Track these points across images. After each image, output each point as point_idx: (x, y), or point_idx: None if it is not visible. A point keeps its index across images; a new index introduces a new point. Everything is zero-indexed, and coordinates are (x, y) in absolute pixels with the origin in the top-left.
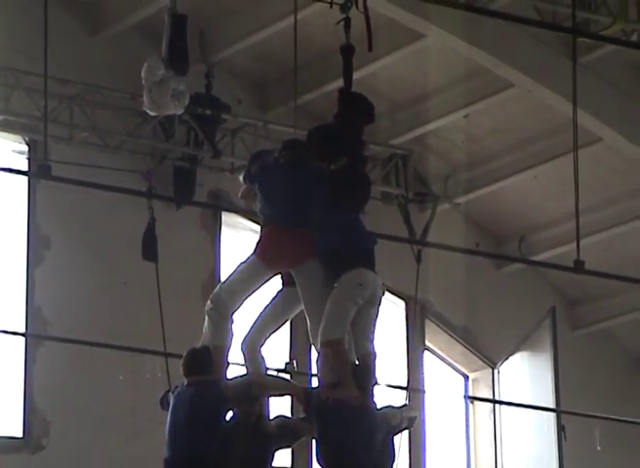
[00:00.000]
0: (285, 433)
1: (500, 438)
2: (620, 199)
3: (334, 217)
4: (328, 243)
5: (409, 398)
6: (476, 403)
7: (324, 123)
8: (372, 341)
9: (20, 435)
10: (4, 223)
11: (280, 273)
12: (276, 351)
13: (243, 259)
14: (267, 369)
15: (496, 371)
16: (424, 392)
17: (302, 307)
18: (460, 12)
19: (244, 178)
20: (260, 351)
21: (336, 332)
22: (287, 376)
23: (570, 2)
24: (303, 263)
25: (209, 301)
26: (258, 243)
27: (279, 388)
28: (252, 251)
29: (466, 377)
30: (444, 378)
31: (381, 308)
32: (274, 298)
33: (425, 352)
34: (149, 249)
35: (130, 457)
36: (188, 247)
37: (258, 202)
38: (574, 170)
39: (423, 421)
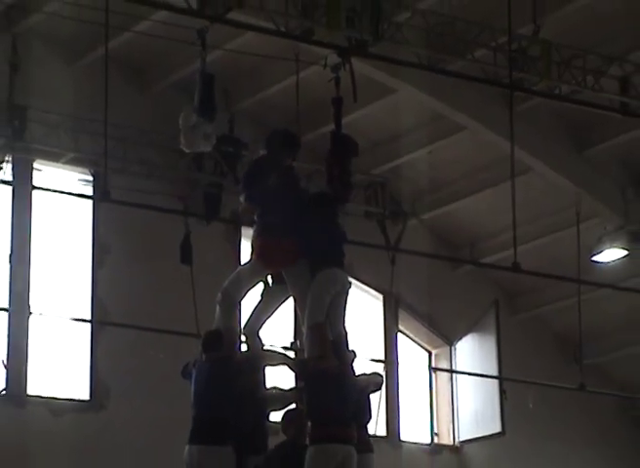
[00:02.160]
0: (276, 399)
1: (457, 399)
2: (547, 214)
3: (312, 229)
4: (308, 249)
5: (386, 369)
6: (438, 373)
7: (278, 129)
8: (343, 323)
9: (87, 398)
10: (75, 235)
11: (271, 273)
12: (283, 333)
13: (245, 262)
14: (263, 346)
15: (453, 348)
16: (398, 364)
17: (291, 299)
18: (423, 72)
19: (245, 199)
20: (257, 334)
21: (317, 318)
22: (292, 353)
23: (507, 65)
24: (291, 265)
25: (219, 294)
26: (255, 248)
27: (276, 360)
28: (250, 255)
29: (430, 353)
30: (413, 354)
31: (356, 299)
32: (263, 294)
33: (399, 334)
34: (186, 255)
35: (171, 416)
36: (215, 254)
37: (256, 216)
38: (511, 192)
39: (397, 387)
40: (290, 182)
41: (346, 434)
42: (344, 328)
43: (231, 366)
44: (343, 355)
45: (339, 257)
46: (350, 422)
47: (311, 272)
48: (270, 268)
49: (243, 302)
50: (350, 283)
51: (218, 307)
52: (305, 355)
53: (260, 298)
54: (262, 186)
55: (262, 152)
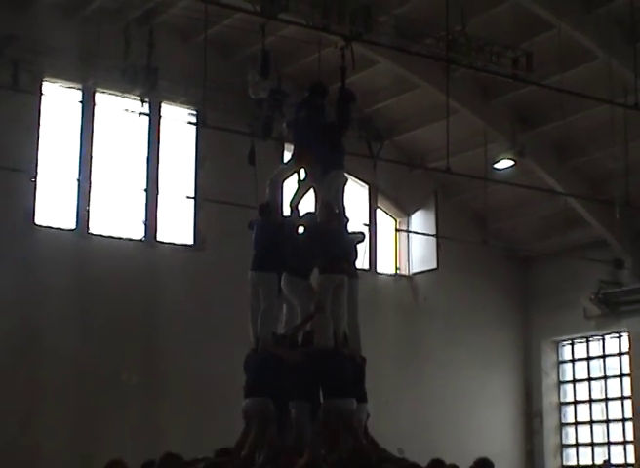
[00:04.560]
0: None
1: (411, 248)
2: (467, 139)
3: (325, 144)
4: (323, 156)
5: (369, 230)
6: (400, 233)
7: (316, 81)
8: (343, 201)
9: (192, 243)
10: (184, 147)
11: (302, 167)
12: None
13: (287, 161)
14: (299, 214)
15: (410, 218)
16: (376, 227)
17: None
18: (394, 51)
19: (286, 126)
20: (296, 207)
21: (327, 197)
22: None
23: (445, 48)
24: (312, 164)
25: (269, 180)
26: (292, 153)
27: (301, 222)
28: (291, 157)
29: (396, 220)
30: (385, 221)
31: (352, 188)
32: (299, 183)
33: (377, 209)
34: (252, 159)
35: (243, 254)
36: (268, 158)
37: (291, 136)
38: (446, 126)
39: (376, 240)
40: (313, 115)
41: (342, 267)
42: (343, 204)
43: (276, 223)
44: (341, 220)
45: (341, 163)
46: (344, 259)
47: (323, 171)
48: (299, 165)
49: (286, 188)
50: (347, 179)
51: (267, 188)
52: (319, 220)
53: (297, 186)
54: (296, 118)
55: (305, 95)
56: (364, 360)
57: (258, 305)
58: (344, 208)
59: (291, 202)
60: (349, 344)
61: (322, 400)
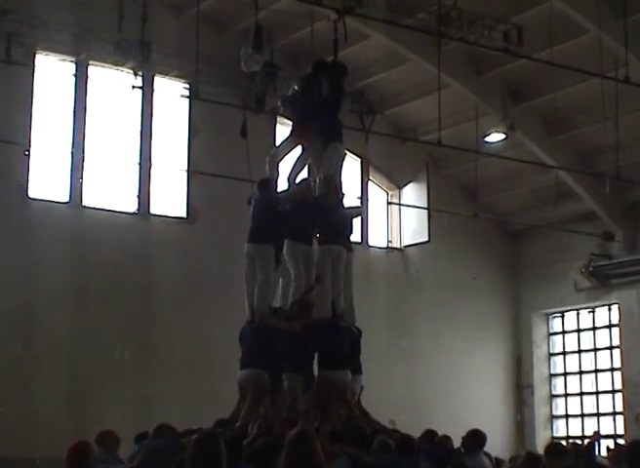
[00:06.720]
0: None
1: (402, 221)
2: (459, 113)
3: (324, 118)
4: (321, 131)
5: (361, 203)
6: (392, 206)
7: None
8: (339, 176)
9: (185, 216)
10: (177, 119)
11: (300, 143)
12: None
13: (285, 137)
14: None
15: (401, 191)
16: (368, 200)
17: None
18: (386, 25)
19: (281, 103)
20: (295, 180)
21: (329, 171)
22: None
23: (437, 22)
24: (311, 139)
25: (268, 157)
26: (291, 130)
27: (299, 195)
28: (289, 133)
29: (387, 193)
30: (377, 194)
31: (347, 162)
32: (298, 158)
33: (369, 182)
34: (243, 132)
35: (237, 228)
36: (260, 132)
37: (289, 113)
38: (438, 99)
39: (367, 213)
40: (312, 91)
41: (339, 240)
42: (340, 177)
43: (273, 198)
44: (338, 194)
45: (340, 135)
46: (342, 234)
47: (323, 145)
48: (298, 140)
49: (283, 165)
50: (345, 152)
51: (267, 165)
52: (318, 193)
53: (295, 160)
54: (294, 94)
55: (308, 71)
56: (360, 332)
57: (253, 277)
58: (341, 182)
59: (288, 177)
60: (345, 317)
61: (316, 371)
